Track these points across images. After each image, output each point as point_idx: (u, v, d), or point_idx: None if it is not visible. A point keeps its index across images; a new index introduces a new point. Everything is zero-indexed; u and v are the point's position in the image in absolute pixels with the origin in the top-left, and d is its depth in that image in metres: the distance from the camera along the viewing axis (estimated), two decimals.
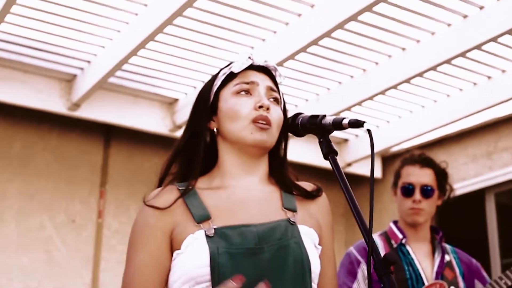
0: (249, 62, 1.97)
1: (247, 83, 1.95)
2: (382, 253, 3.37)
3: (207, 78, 2.09)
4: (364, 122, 1.75)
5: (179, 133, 5.81)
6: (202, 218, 1.81)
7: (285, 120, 1.99)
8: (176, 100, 5.95)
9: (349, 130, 6.44)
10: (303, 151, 6.24)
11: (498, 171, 6.03)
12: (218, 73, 2.01)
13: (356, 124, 1.76)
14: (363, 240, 1.73)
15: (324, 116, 1.85)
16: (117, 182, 6.13)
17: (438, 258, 3.44)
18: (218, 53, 5.14)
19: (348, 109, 5.66)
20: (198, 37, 5.00)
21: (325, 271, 1.92)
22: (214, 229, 1.78)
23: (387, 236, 3.51)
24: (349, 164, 6.72)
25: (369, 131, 1.73)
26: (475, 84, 5.56)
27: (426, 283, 3.34)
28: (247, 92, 1.94)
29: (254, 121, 1.88)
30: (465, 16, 4.67)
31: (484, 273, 3.54)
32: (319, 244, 1.90)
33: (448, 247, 3.55)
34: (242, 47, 4.97)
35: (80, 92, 5.45)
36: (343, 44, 5.08)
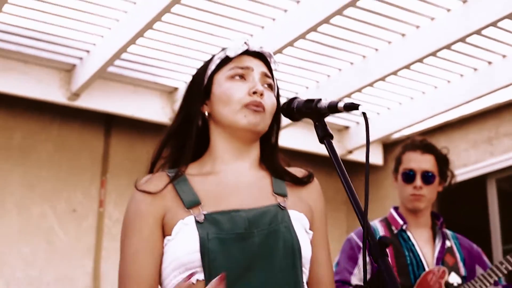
0: (244, 47, 1.96)
1: (242, 68, 1.94)
2: None
3: None
4: (359, 105, 1.74)
5: None
6: (192, 203, 1.81)
7: (278, 107, 1.98)
8: (176, 89, 5.94)
9: (350, 117, 6.51)
10: (307, 138, 6.24)
11: (499, 157, 6.02)
12: (213, 57, 2.00)
13: (351, 107, 1.74)
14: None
15: (320, 100, 1.84)
16: (118, 172, 6.13)
17: (439, 244, 3.44)
18: (217, 41, 5.12)
19: (349, 95, 5.65)
20: (197, 25, 4.99)
21: (318, 256, 1.92)
22: (204, 214, 1.77)
23: (387, 222, 3.51)
24: (350, 152, 6.71)
25: (364, 114, 1.72)
26: (475, 69, 5.54)
27: (426, 269, 3.34)
28: (242, 77, 1.93)
29: (247, 105, 1.88)
30: (464, 1, 4.66)
31: (485, 259, 3.54)
32: (310, 229, 1.89)
33: (449, 232, 3.54)
34: (242, 35, 4.96)
35: (80, 81, 5.44)
36: (342, 31, 5.07)
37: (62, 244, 5.81)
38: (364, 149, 5.48)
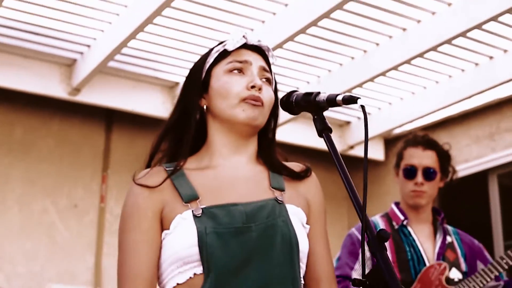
0: (243, 41, 1.95)
1: (240, 62, 1.93)
2: None
3: None
4: (358, 98, 1.73)
5: None
6: (190, 198, 1.80)
7: (276, 101, 1.97)
8: (177, 83, 5.94)
9: (352, 112, 6.50)
10: (309, 133, 6.23)
11: (500, 153, 6.01)
12: (211, 50, 1.99)
13: (350, 100, 1.74)
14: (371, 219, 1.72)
15: (319, 93, 1.83)
16: (119, 167, 6.12)
17: (440, 240, 3.43)
18: (218, 36, 5.11)
19: (349, 91, 5.64)
20: (198, 20, 4.99)
21: (317, 249, 1.91)
22: (202, 209, 1.77)
23: (388, 218, 3.50)
24: (351, 147, 6.71)
25: (362, 107, 1.71)
26: (476, 64, 5.53)
27: (427, 264, 3.33)
28: (240, 71, 1.92)
29: (245, 99, 1.87)
30: None
31: (487, 254, 3.53)
32: (307, 223, 1.88)
33: (450, 228, 3.53)
34: (242, 29, 4.94)
35: (80, 76, 5.44)
36: (343, 25, 5.06)
37: (64, 240, 5.81)
38: None
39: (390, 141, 6.88)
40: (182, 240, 1.74)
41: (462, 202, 6.43)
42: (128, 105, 5.87)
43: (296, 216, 1.85)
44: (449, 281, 3.33)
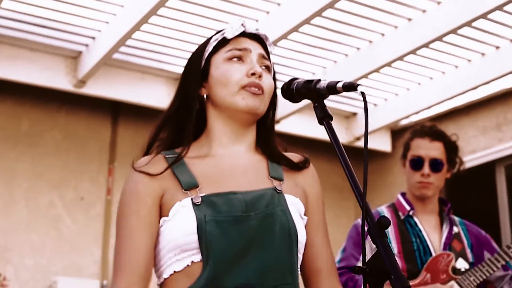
0: (241, 29, 1.95)
1: (240, 50, 1.93)
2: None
3: None
4: (359, 85, 1.72)
5: None
6: (189, 186, 1.80)
7: (275, 89, 1.97)
8: None
9: (358, 103, 6.48)
10: (316, 126, 6.22)
11: (508, 143, 5.99)
12: (209, 39, 1.99)
13: (350, 87, 1.73)
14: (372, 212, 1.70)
15: (319, 80, 1.83)
16: (125, 159, 6.10)
17: (446, 230, 3.42)
18: (222, 27, 5.09)
19: (355, 81, 5.60)
20: (202, 11, 4.98)
21: (315, 240, 1.92)
22: (201, 197, 1.77)
23: (394, 208, 3.49)
24: (357, 138, 6.69)
25: (363, 93, 1.70)
26: (483, 54, 5.51)
27: (433, 255, 3.32)
28: (240, 58, 1.92)
29: (245, 87, 1.87)
30: None
31: (494, 244, 3.51)
32: (305, 215, 1.88)
33: (456, 219, 3.52)
34: (247, 20, 4.94)
35: (86, 68, 5.45)
36: (348, 16, 5.05)
37: (70, 233, 5.83)
38: (372, 136, 5.46)
39: (397, 132, 6.86)
40: (181, 228, 1.73)
41: (469, 193, 6.42)
42: (133, 97, 5.87)
43: (295, 206, 1.85)
44: (456, 271, 3.32)
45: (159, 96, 5.89)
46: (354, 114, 6.74)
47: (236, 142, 1.92)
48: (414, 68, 5.81)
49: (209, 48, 1.96)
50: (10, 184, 5.71)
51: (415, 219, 3.43)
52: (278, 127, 5.88)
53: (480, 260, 3.39)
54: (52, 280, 5.61)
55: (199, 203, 1.75)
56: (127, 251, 1.78)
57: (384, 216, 1.57)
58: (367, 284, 1.52)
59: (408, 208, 3.44)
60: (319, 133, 6.27)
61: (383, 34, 5.30)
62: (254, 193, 1.80)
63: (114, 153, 6.14)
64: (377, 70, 5.53)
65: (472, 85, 5.62)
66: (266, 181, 1.86)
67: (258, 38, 1.99)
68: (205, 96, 1.94)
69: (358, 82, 5.56)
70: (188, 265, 1.73)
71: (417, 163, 3.42)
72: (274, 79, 1.99)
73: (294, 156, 1.99)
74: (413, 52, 5.21)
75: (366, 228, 1.58)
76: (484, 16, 4.67)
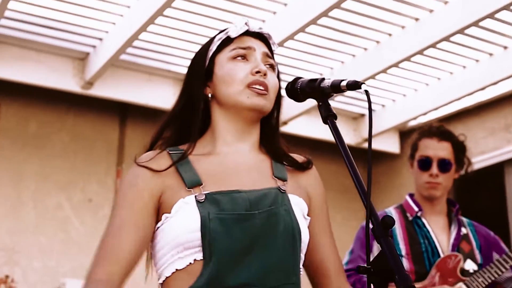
0: (245, 28, 1.95)
1: (244, 48, 1.93)
2: (397, 226, 3.35)
3: None
4: (363, 83, 1.72)
5: None
6: (193, 183, 1.79)
7: (280, 89, 1.97)
8: None
9: (366, 104, 6.45)
10: (324, 127, 6.20)
11: None
12: (213, 38, 1.99)
13: (354, 85, 1.73)
14: (379, 213, 1.69)
15: (323, 79, 1.82)
16: (133, 161, 6.12)
17: (454, 231, 3.40)
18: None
19: (363, 82, 5.60)
20: (209, 11, 4.98)
21: (322, 241, 1.92)
22: (205, 194, 1.76)
23: (402, 209, 3.47)
24: (365, 140, 6.67)
25: (367, 92, 1.70)
26: (491, 54, 5.49)
27: (442, 256, 3.31)
28: (244, 57, 1.92)
29: (250, 85, 1.86)
30: None
31: (503, 245, 3.49)
32: (308, 215, 1.88)
33: (464, 220, 3.50)
34: (254, 21, 4.94)
35: (93, 70, 5.45)
36: (355, 16, 5.04)
37: (78, 234, 5.83)
38: (380, 137, 5.45)
39: (405, 133, 6.85)
40: (184, 225, 1.72)
41: (478, 195, 6.40)
42: (141, 98, 5.87)
43: (298, 206, 1.85)
44: (464, 272, 3.30)
45: (166, 97, 5.89)
46: (362, 115, 6.73)
47: (241, 141, 1.91)
48: (421, 69, 5.79)
49: (213, 47, 1.96)
50: (18, 186, 5.72)
51: (423, 220, 3.41)
52: (286, 129, 5.91)
53: (489, 262, 3.37)
54: (60, 282, 5.61)
55: (202, 201, 1.74)
56: (113, 241, 1.77)
57: (388, 215, 1.56)
58: (372, 284, 1.51)
59: (416, 209, 3.42)
60: (327, 134, 6.23)
61: (390, 34, 5.29)
62: (258, 192, 1.80)
63: (122, 154, 6.15)
64: (384, 71, 5.52)
65: (480, 85, 5.60)
66: (270, 181, 1.86)
67: (261, 37, 1.99)
68: (210, 96, 1.93)
69: (366, 83, 5.59)
70: (190, 263, 1.72)
71: (425, 163, 3.40)
72: (279, 78, 1.99)
73: (297, 157, 1.98)
74: (420, 52, 5.19)
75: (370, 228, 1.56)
76: (491, 16, 4.65)
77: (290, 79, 1.94)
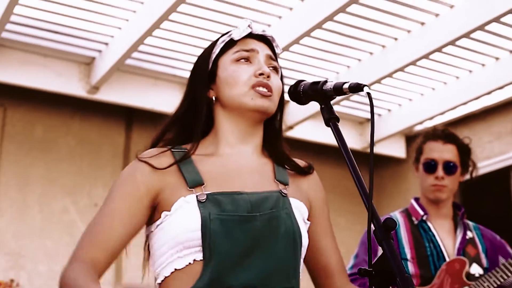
0: (248, 30, 1.95)
1: (247, 51, 1.93)
2: (402, 229, 3.34)
3: None
4: (365, 85, 1.72)
5: None
6: (195, 183, 1.78)
7: (283, 91, 1.97)
8: None
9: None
10: (330, 131, 6.20)
11: None
12: (216, 41, 1.99)
13: (357, 88, 1.73)
14: (384, 217, 1.69)
15: (326, 81, 1.83)
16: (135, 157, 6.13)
17: (460, 235, 3.39)
18: None
19: (369, 86, 5.59)
20: (213, 16, 4.99)
21: (324, 244, 1.94)
22: (206, 194, 1.75)
23: (408, 213, 3.46)
24: None
25: (369, 94, 1.70)
26: (497, 59, 5.48)
27: (447, 260, 3.29)
28: (247, 59, 1.92)
29: (254, 87, 1.86)
30: None
31: (510, 249, 3.47)
32: (308, 220, 1.88)
33: (470, 223, 3.49)
34: (259, 25, 4.95)
35: (99, 74, 5.46)
36: (360, 20, 5.04)
37: None
38: (386, 142, 5.43)
39: (411, 138, 6.84)
40: (184, 224, 1.72)
41: (484, 199, 6.38)
42: (147, 103, 5.88)
43: (299, 210, 1.84)
44: (470, 276, 3.29)
45: (172, 101, 5.79)
46: (368, 120, 6.72)
47: (244, 142, 1.91)
48: (427, 73, 5.79)
49: (216, 50, 1.96)
50: (24, 190, 5.73)
51: (429, 224, 3.40)
52: (291, 133, 5.91)
53: (495, 265, 3.35)
54: None
55: (204, 201, 1.74)
56: (101, 227, 1.75)
57: (390, 218, 1.55)
58: (373, 286, 1.50)
59: (421, 212, 3.41)
60: (332, 139, 6.23)
61: (396, 39, 5.29)
62: (259, 195, 1.79)
63: (128, 158, 6.15)
64: (390, 75, 5.52)
65: (487, 90, 5.59)
66: (272, 184, 1.86)
67: (265, 39, 1.99)
68: (213, 98, 1.93)
69: (372, 87, 5.58)
70: (190, 263, 1.71)
71: (430, 166, 3.39)
72: (282, 80, 1.99)
73: (299, 162, 1.98)
74: (426, 56, 5.19)
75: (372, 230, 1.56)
76: (497, 19, 4.65)
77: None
